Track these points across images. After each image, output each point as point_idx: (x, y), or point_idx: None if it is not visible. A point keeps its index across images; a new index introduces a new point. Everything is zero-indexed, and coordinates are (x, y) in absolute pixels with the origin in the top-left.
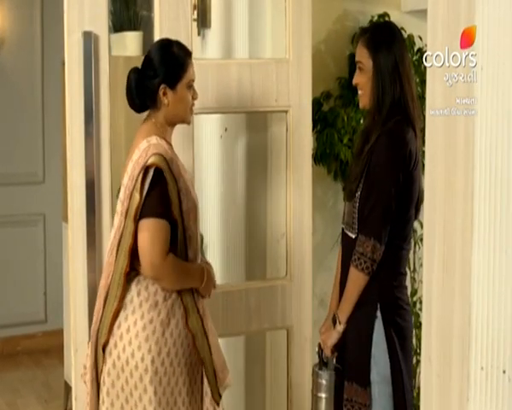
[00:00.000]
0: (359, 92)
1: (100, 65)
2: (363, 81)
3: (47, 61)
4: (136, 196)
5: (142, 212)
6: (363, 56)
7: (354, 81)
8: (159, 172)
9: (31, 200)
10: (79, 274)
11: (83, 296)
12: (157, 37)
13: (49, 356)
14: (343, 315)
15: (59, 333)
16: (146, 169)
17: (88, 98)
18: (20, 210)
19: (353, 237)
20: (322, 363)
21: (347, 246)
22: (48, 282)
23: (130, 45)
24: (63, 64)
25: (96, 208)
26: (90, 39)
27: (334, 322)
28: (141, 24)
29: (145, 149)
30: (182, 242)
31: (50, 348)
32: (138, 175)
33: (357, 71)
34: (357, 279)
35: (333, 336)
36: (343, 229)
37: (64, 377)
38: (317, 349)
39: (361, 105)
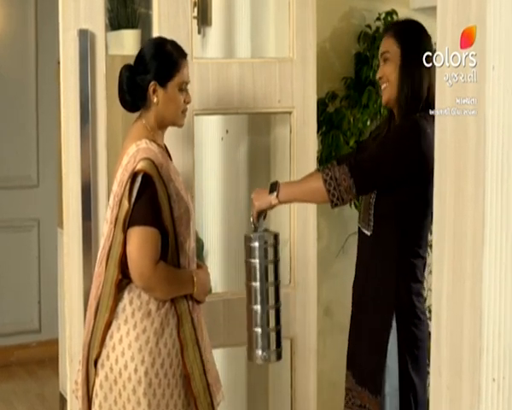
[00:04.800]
0: (383, 86)
1: (96, 64)
2: (388, 71)
3: (41, 61)
4: (125, 203)
5: (131, 220)
6: (389, 45)
7: (378, 75)
8: (147, 178)
9: (24, 205)
10: (75, 282)
11: (78, 305)
12: (155, 35)
13: (43, 367)
14: (286, 196)
15: (53, 343)
16: (134, 175)
17: (84, 99)
18: (14, 215)
19: (369, 234)
20: (254, 227)
21: (362, 244)
22: (42, 290)
23: (128, 44)
24: (58, 63)
25: (92, 214)
26: (86, 38)
27: (272, 190)
28: (139, 22)
29: (134, 153)
30: (173, 248)
31: (45, 358)
32: (127, 181)
33: (382, 63)
34: (318, 191)
35: (265, 202)
36: (359, 227)
37: (59, 388)
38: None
39: (384, 99)
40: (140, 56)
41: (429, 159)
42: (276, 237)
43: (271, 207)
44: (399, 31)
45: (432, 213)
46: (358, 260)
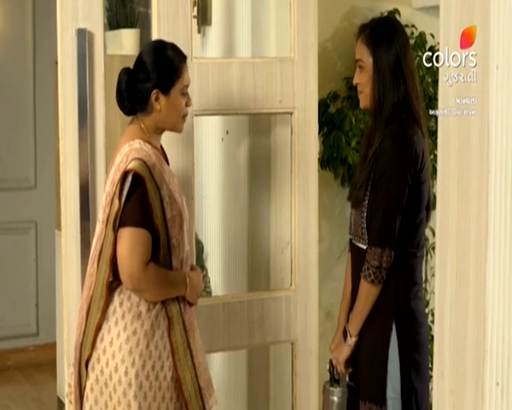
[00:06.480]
0: (359, 93)
1: (95, 64)
2: (363, 80)
3: (39, 60)
4: (116, 202)
5: (122, 220)
6: (362, 54)
7: (354, 81)
8: (138, 177)
9: (22, 206)
10: (73, 284)
11: (76, 308)
12: (155, 34)
13: (40, 371)
14: (354, 328)
15: (51, 347)
16: (125, 174)
17: (82, 99)
18: (11, 217)
19: (364, 247)
20: (334, 380)
21: (357, 257)
22: (40, 293)
23: (127, 43)
24: (56, 63)
25: (90, 215)
26: (84, 37)
27: (345, 336)
28: (138, 21)
29: (126, 153)
30: (165, 250)
31: (42, 362)
32: (118, 181)
33: (357, 70)
34: (370, 292)
35: (345, 351)
36: (351, 240)
37: (57, 392)
38: (328, 366)
39: (361, 105)
40: (140, 62)
41: (418, 163)
42: (351, 388)
43: (352, 349)
44: (371, 38)
45: (426, 206)
46: (354, 272)
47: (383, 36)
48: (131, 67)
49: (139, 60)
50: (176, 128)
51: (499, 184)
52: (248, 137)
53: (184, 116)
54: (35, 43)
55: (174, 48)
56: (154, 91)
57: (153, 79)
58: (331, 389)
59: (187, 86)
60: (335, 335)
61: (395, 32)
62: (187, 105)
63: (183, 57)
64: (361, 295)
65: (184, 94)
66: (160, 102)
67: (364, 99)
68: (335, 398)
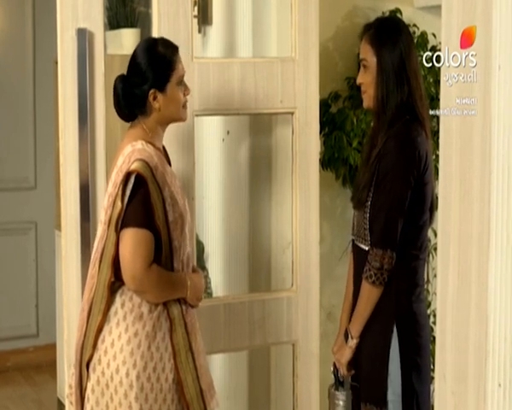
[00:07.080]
0: (363, 93)
1: (95, 64)
2: (367, 80)
3: (39, 60)
4: (118, 203)
5: (124, 221)
6: (367, 54)
7: (358, 80)
8: (140, 178)
9: (21, 207)
10: (73, 285)
11: (76, 309)
12: (155, 34)
13: (40, 372)
14: (355, 330)
15: (51, 348)
16: (127, 175)
17: (82, 99)
18: (11, 218)
19: (366, 248)
20: (338, 383)
21: (360, 258)
22: (40, 294)
23: (127, 43)
24: (56, 63)
25: (90, 216)
26: (84, 37)
27: (347, 338)
28: (138, 21)
29: (129, 154)
30: (167, 252)
31: (42, 363)
32: (120, 182)
33: (361, 69)
34: (372, 293)
35: (346, 353)
36: (353, 240)
37: (57, 394)
38: (332, 369)
39: (365, 105)
40: (134, 65)
41: (421, 164)
42: (356, 388)
43: (354, 350)
44: (376, 38)
45: (430, 208)
46: (356, 273)
47: (387, 36)
48: (125, 74)
49: (133, 62)
50: (179, 119)
51: (501, 185)
52: (249, 138)
53: (184, 105)
54: (35, 42)
55: (164, 42)
56: (152, 91)
57: (149, 79)
58: (336, 392)
59: (182, 76)
60: (337, 337)
61: (400, 33)
62: (185, 94)
63: (173, 50)
64: (362, 296)
65: (181, 84)
66: (158, 101)
67: (368, 99)
68: (341, 402)
